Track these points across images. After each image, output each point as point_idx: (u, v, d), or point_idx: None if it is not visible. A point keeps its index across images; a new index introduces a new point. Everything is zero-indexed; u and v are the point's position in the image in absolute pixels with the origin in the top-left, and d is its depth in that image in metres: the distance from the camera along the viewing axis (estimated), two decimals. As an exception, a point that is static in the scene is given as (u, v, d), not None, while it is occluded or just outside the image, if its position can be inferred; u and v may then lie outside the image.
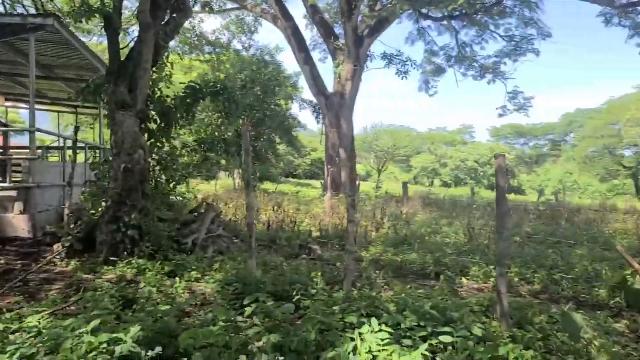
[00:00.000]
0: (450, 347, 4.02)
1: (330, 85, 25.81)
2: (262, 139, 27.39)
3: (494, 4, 18.09)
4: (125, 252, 7.21)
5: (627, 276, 6.25)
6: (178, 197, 11.52)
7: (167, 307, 4.76)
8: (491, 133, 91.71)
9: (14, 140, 20.00)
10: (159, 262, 6.84)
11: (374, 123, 64.34)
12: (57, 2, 14.80)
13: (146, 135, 8.33)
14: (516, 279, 7.65)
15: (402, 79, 23.38)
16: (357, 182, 25.85)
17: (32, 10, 13.77)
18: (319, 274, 6.66)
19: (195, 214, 8.66)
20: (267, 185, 31.99)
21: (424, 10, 20.09)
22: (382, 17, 22.83)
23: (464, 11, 18.64)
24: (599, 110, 71.24)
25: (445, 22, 22.26)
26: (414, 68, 23.62)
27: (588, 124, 70.14)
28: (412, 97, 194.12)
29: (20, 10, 13.90)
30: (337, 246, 9.91)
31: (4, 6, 13.99)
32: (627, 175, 60.81)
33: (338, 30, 27.14)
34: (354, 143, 26.38)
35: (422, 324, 4.46)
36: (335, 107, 24.79)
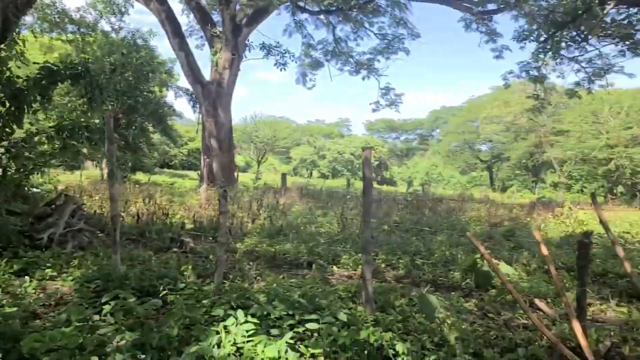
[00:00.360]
0: (316, 334, 4.13)
1: (207, 74, 25.14)
2: (134, 127, 25.97)
3: (368, 2, 18.82)
4: (-35, 250, 6.41)
5: (477, 259, 6.88)
6: (34, 189, 10.50)
7: (14, 309, 4.32)
8: (366, 127, 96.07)
9: None
10: (5, 260, 6.17)
11: (254, 114, 64.11)
12: None
13: (-8, 119, 7.44)
14: (383, 265, 8.09)
15: (280, 70, 23.57)
16: (235, 173, 25.61)
17: None
18: (190, 267, 6.48)
19: (53, 206, 7.94)
20: (140, 176, 30.39)
21: (301, 3, 20.32)
22: (260, 7, 22.69)
23: (339, 7, 19.17)
24: (461, 109, 77.76)
25: (322, 17, 22.73)
26: (293, 60, 23.92)
27: (451, 121, 76.25)
28: (292, 89, 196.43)
29: None
30: (211, 238, 9.72)
31: None
32: (483, 168, 67.31)
33: (216, 17, 26.47)
34: (233, 133, 26.01)
35: (290, 312, 4.54)
36: (213, 96, 24.21)
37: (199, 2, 25.83)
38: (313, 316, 4.40)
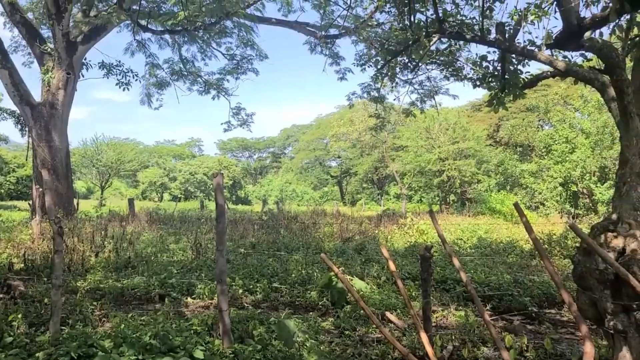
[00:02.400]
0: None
1: (37, 95, 22.76)
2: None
3: (214, 23, 18.67)
4: None
5: (332, 277, 7.09)
6: None
7: None
8: (219, 146, 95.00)
9: None
10: None
11: (95, 136, 59.55)
12: None
13: None
14: (240, 291, 7.94)
15: (123, 90, 22.22)
16: (75, 201, 23.44)
17: None
18: (20, 315, 5.71)
19: None
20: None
21: (143, 22, 19.46)
22: (97, 25, 21.24)
23: (185, 27, 18.74)
24: (311, 126, 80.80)
25: (167, 36, 22.03)
26: (136, 80, 22.75)
27: (302, 139, 78.83)
28: (140, 110, 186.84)
29: None
30: (46, 279, 8.70)
31: None
32: (334, 183, 70.49)
33: (46, 33, 24.16)
34: (71, 158, 23.85)
35: (141, 357, 4.20)
36: (45, 118, 21.96)
37: (24, 16, 23.37)
38: (166, 358, 4.13)
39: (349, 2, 20.85)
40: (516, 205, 3.99)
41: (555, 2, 5.16)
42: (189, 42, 21.92)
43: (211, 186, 67.89)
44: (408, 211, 27.94)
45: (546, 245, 12.10)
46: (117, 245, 11.64)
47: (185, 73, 24.65)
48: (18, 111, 24.27)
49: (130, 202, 24.00)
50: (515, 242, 13.45)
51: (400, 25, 8.58)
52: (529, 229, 3.82)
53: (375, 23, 21.24)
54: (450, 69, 8.98)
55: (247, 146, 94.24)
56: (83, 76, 23.80)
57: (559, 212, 28.37)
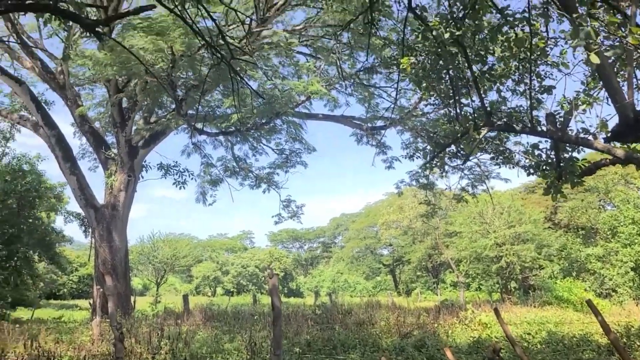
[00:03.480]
0: None
1: (100, 197, 24.09)
2: (15, 259, 23.76)
3: (265, 123, 19.63)
4: None
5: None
6: None
7: None
8: (269, 238, 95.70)
9: None
10: None
11: (152, 233, 61.66)
12: None
13: None
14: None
15: (180, 189, 23.25)
16: (132, 299, 23.84)
17: None
18: None
19: None
20: (22, 312, 27.28)
21: (199, 125, 20.70)
22: (157, 130, 22.76)
23: (237, 128, 19.78)
24: (360, 215, 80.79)
25: (220, 137, 23.23)
26: (192, 179, 23.75)
27: (352, 227, 78.61)
28: (193, 205, 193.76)
29: None
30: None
31: None
32: (386, 272, 68.94)
33: (110, 139, 26.02)
34: (129, 256, 24.64)
35: None
36: (107, 219, 23.06)
37: (92, 125, 25.40)
38: None
39: (394, 96, 21.57)
40: (589, 303, 3.77)
41: (607, 95, 5.14)
42: (242, 141, 22.97)
43: (262, 279, 67.79)
44: (467, 301, 26.74)
45: (624, 339, 11.15)
46: (173, 347, 11.57)
47: (238, 170, 25.61)
48: (83, 213, 25.65)
49: (185, 298, 24.15)
50: (590, 336, 12.46)
51: (447, 117, 8.74)
52: (606, 329, 3.56)
53: (420, 113, 21.77)
54: (501, 158, 8.94)
55: (298, 237, 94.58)
56: (143, 177, 25.10)
57: (633, 299, 26.40)
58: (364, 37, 13.51)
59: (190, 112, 21.16)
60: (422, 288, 54.54)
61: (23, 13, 15.11)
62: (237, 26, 19.13)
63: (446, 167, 14.18)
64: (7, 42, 23.34)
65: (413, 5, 6.80)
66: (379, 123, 23.41)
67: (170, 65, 16.16)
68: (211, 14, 9.74)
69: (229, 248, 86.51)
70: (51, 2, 8.28)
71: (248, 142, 22.83)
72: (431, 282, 58.34)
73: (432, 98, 9.64)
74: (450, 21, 6.37)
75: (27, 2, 8.33)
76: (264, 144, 24.28)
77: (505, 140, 8.91)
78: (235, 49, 9.65)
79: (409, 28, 8.11)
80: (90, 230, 25.53)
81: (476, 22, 6.12)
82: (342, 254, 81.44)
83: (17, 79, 23.63)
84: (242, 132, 19.75)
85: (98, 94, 27.73)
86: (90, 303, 24.73)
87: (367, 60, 18.36)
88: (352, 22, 8.81)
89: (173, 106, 22.45)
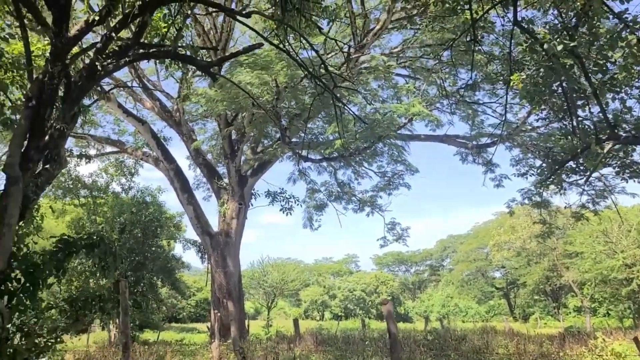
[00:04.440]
0: None
1: (214, 224, 25.57)
2: (142, 284, 25.74)
3: (367, 147, 19.78)
4: None
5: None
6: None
7: None
8: (375, 262, 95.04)
9: None
10: None
11: (261, 258, 63.98)
12: None
13: (6, 298, 7.35)
14: None
15: (286, 215, 23.87)
16: (246, 323, 24.76)
17: None
18: None
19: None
20: (148, 334, 29.41)
21: (303, 153, 21.33)
22: (264, 160, 23.81)
23: (341, 154, 20.11)
24: (468, 236, 77.75)
25: (324, 163, 23.74)
26: (298, 205, 24.40)
27: (460, 249, 75.87)
28: (299, 230, 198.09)
29: None
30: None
31: None
32: (500, 296, 65.30)
33: (221, 170, 27.63)
34: (242, 281, 25.74)
35: None
36: (221, 246, 24.38)
37: (205, 157, 27.20)
38: None
39: (500, 111, 20.79)
40: None
41: None
42: (345, 166, 23.27)
43: (370, 303, 67.30)
44: (595, 328, 24.51)
45: None
46: (288, 371, 11.83)
47: (341, 194, 25.92)
48: (199, 240, 27.33)
49: (295, 322, 24.61)
50: None
51: (562, 131, 8.25)
52: None
53: (529, 127, 20.72)
54: (627, 171, 8.22)
55: (403, 260, 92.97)
56: (252, 205, 26.28)
57: None
58: (466, 55, 13.25)
59: (294, 140, 21.92)
60: (541, 313, 50.96)
61: (147, 60, 16.66)
62: (335, 54, 19.65)
63: (563, 184, 13.31)
64: (131, 87, 25.94)
65: (518, 18, 6.58)
66: (485, 140, 22.61)
67: (275, 97, 16.92)
68: (312, 45, 10.14)
69: (334, 272, 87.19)
70: (171, 49, 9.11)
71: (351, 166, 23.09)
72: (551, 306, 54.22)
73: (544, 112, 9.17)
74: (562, 32, 6.07)
75: (152, 50, 9.25)
76: (366, 167, 24.41)
77: (631, 152, 8.19)
78: (336, 77, 9.90)
79: (514, 42, 7.82)
80: (206, 256, 27.11)
81: (592, 30, 5.77)
82: (451, 277, 78.69)
83: (140, 118, 26.06)
84: (345, 157, 20.03)
85: (209, 128, 29.75)
86: (208, 327, 26.11)
87: (470, 77, 17.92)
88: (455, 41, 8.70)
89: (278, 136, 23.43)
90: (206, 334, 26.24)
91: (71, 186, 26.10)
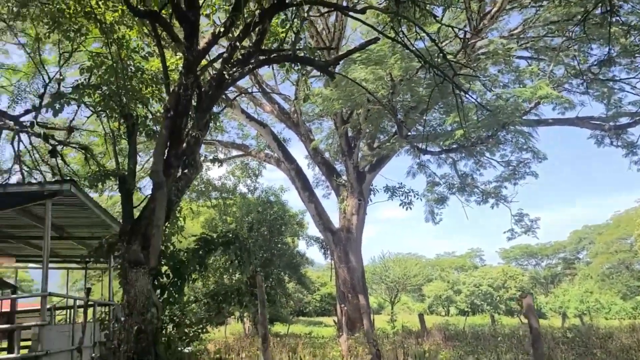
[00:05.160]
0: None
1: (335, 221, 26.09)
2: (270, 279, 27.03)
3: (490, 136, 18.88)
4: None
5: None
6: (187, 349, 11.00)
7: None
8: (501, 255, 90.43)
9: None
10: None
11: (382, 253, 63.81)
12: (73, 166, 15.63)
13: (158, 291, 8.17)
14: None
15: (406, 209, 23.58)
16: (371, 318, 24.94)
17: (49, 176, 14.55)
18: None
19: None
20: (278, 327, 30.82)
21: (422, 146, 20.95)
22: (382, 155, 23.77)
23: (462, 144, 19.44)
24: (607, 226, 71.10)
25: (443, 155, 23.11)
26: (417, 199, 24.03)
27: (598, 240, 69.66)
28: (416, 224, 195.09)
29: (37, 175, 14.76)
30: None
31: (22, 174, 14.74)
32: (650, 291, 58.86)
33: (339, 167, 28.10)
34: (365, 276, 25.97)
35: None
36: (343, 242, 24.81)
37: (323, 156, 27.84)
38: None
39: (640, 87, 18.77)
40: None
41: None
42: (466, 157, 22.47)
43: (497, 298, 64.38)
44: None
45: None
46: (418, 365, 11.73)
47: (463, 186, 25.07)
48: (321, 237, 28.06)
49: (421, 317, 24.30)
50: None
51: None
52: None
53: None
54: None
55: (532, 253, 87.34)
56: (371, 201, 26.39)
57: None
58: (600, 28, 12.03)
59: (411, 133, 21.60)
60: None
61: (268, 65, 17.44)
62: (450, 41, 19.00)
63: None
64: (251, 92, 27.35)
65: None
66: (625, 120, 20.50)
67: (391, 91, 16.81)
68: (429, 34, 9.91)
69: (458, 266, 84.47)
70: (290, 53, 9.46)
71: (473, 157, 22.22)
72: None
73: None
74: None
75: (273, 55, 9.67)
76: (488, 157, 23.29)
77: None
78: (455, 65, 9.60)
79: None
80: (329, 252, 27.77)
81: None
82: (588, 270, 72.41)
83: (261, 122, 27.39)
84: (466, 147, 19.33)
85: (325, 127, 30.40)
86: (334, 321, 26.69)
87: (607, 52, 16.32)
88: (588, 14, 7.96)
89: (394, 130, 23.25)
90: (333, 328, 26.85)
91: (203, 189, 28.15)
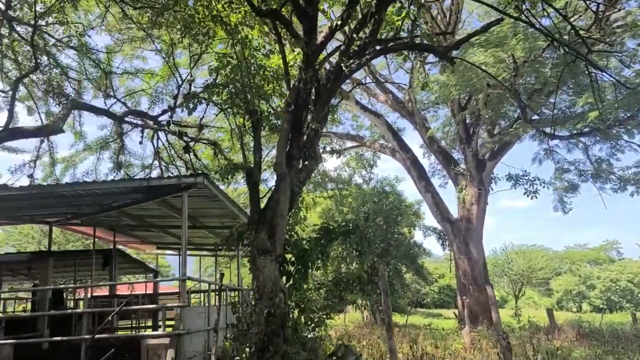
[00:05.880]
0: None
1: (453, 211, 25.36)
2: (388, 270, 27.07)
3: (629, 117, 17.11)
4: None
5: None
6: (310, 335, 11.40)
7: None
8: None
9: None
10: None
11: (504, 244, 60.76)
12: (204, 161, 16.93)
13: (284, 278, 8.56)
14: None
15: (531, 198, 22.18)
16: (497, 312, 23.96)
17: (183, 170, 15.97)
18: None
19: (334, 358, 8.39)
20: (397, 318, 30.77)
21: (548, 130, 19.56)
22: (504, 141, 22.60)
23: (596, 127, 17.85)
24: None
25: (573, 140, 21.38)
26: (543, 187, 22.50)
27: None
28: (539, 214, 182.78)
29: (173, 170, 16.32)
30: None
31: (161, 169, 16.32)
32: None
33: (457, 155, 27.21)
34: (486, 268, 24.97)
35: None
36: (462, 232, 24.06)
37: (440, 144, 27.14)
38: None
39: None
40: None
41: None
42: (601, 141, 20.61)
43: (639, 295, 58.48)
44: None
45: None
46: (549, 362, 11.09)
47: (596, 172, 23.02)
48: (439, 227, 27.45)
49: (549, 312, 22.86)
50: None
51: None
52: None
53: None
54: None
55: (683, 246, 77.99)
56: (492, 190, 25.23)
57: None
58: None
59: (535, 117, 20.28)
60: None
61: (384, 55, 17.35)
62: (580, 16, 17.47)
63: None
64: (365, 84, 27.41)
65: None
66: None
67: (513, 73, 15.90)
68: (557, 9, 9.22)
69: (591, 260, 77.86)
70: (407, 41, 9.32)
71: (609, 140, 20.30)
72: None
73: None
74: None
75: (390, 45, 9.61)
76: (627, 140, 21.11)
77: None
78: (588, 40, 8.83)
79: None
80: (447, 243, 27.09)
81: None
82: None
83: (375, 112, 27.37)
84: (601, 130, 17.70)
85: (441, 115, 29.57)
86: (455, 313, 26.06)
87: None
88: None
89: (516, 115, 21.98)
90: (453, 320, 26.23)
91: (320, 180, 28.85)
